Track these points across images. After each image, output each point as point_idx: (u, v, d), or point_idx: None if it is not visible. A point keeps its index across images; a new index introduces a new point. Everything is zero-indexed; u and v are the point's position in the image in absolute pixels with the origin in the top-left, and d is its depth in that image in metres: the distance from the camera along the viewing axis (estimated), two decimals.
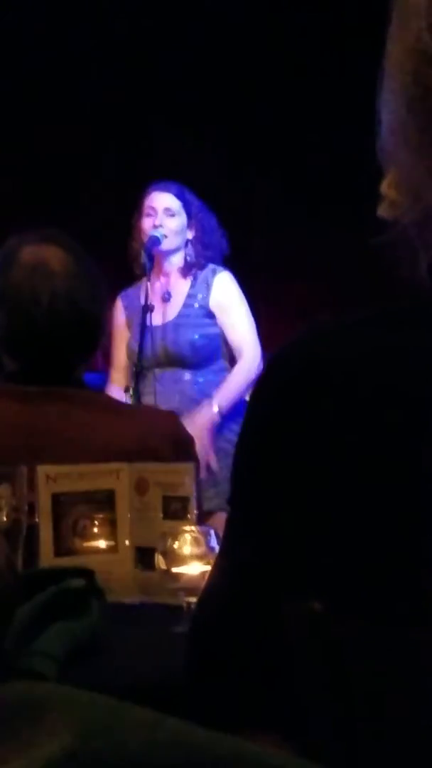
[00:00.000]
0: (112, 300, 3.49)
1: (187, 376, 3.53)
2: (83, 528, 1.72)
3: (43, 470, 1.72)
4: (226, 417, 3.49)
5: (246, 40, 4.40)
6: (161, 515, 1.72)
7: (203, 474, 3.18)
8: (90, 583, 1.43)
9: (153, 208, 3.56)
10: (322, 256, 4.31)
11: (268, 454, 0.85)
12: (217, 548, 1.45)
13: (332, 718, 0.80)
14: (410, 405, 0.77)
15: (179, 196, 3.57)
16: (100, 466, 1.75)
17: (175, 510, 1.71)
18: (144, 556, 1.69)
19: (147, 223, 3.55)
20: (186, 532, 1.53)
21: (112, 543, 1.72)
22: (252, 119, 4.47)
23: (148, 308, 3.38)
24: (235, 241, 3.74)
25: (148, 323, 3.38)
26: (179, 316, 3.56)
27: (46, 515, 1.71)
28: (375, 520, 0.77)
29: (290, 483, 0.82)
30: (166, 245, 3.53)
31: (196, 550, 1.50)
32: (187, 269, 3.60)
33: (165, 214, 3.54)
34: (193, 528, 1.56)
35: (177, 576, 1.50)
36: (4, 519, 1.64)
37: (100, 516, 1.73)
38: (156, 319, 3.45)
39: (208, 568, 1.38)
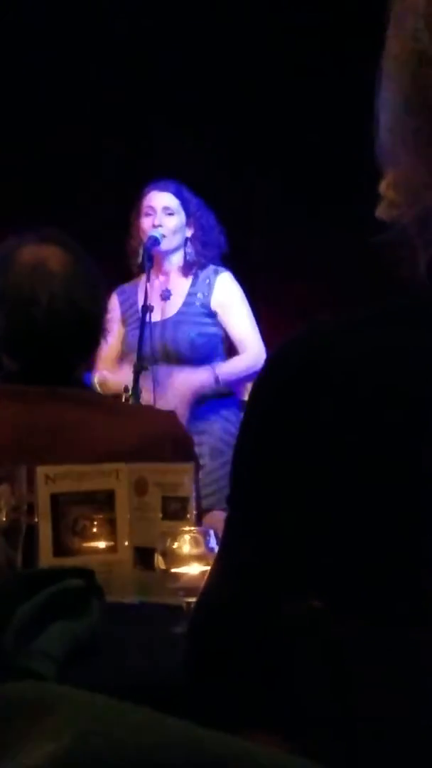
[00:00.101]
0: (108, 296, 3.49)
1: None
2: (82, 528, 1.72)
3: (42, 470, 1.72)
4: (220, 416, 3.50)
5: (246, 40, 4.40)
6: (160, 515, 1.72)
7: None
8: (89, 583, 1.42)
9: (152, 208, 3.56)
10: (322, 256, 4.31)
11: (267, 453, 0.84)
12: (216, 548, 1.44)
13: (332, 718, 0.80)
14: (410, 405, 0.77)
15: (177, 195, 3.57)
16: (99, 467, 1.74)
17: (174, 510, 1.71)
18: (143, 556, 1.69)
19: (146, 223, 3.55)
20: (185, 532, 1.52)
21: (111, 543, 1.72)
22: (252, 119, 4.46)
23: (147, 308, 3.38)
24: (235, 241, 3.73)
25: (147, 321, 3.38)
26: (179, 313, 3.56)
27: (46, 515, 1.71)
28: (375, 520, 0.77)
29: (290, 483, 0.82)
30: (165, 245, 3.53)
31: (196, 550, 1.50)
32: (187, 268, 3.60)
33: (164, 213, 3.55)
34: (192, 528, 1.56)
35: (176, 576, 1.49)
36: (4, 519, 1.64)
37: (100, 516, 1.73)
38: (154, 316, 3.45)
39: (208, 568, 1.38)
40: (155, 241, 3.49)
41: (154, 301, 3.49)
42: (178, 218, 3.56)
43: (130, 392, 3.25)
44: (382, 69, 0.85)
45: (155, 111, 4.49)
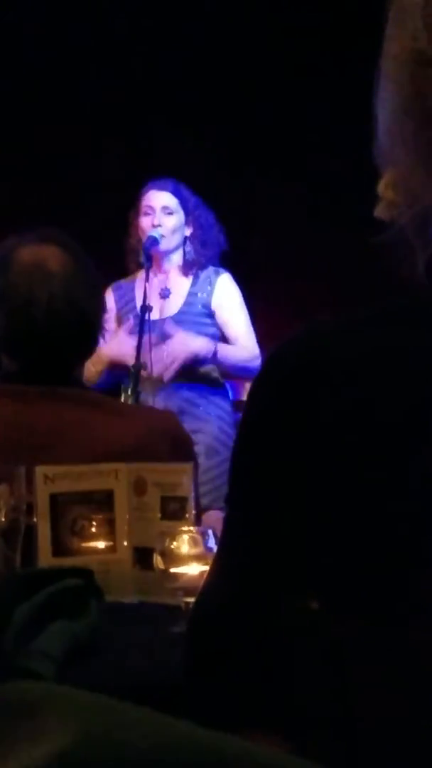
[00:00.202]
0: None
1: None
2: (81, 528, 1.72)
3: (41, 470, 1.72)
4: (215, 415, 3.50)
5: (246, 40, 4.40)
6: (159, 515, 1.72)
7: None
8: (88, 583, 1.42)
9: (151, 207, 3.55)
10: (322, 256, 4.31)
11: (266, 453, 0.84)
12: (214, 548, 1.44)
13: (332, 718, 0.80)
14: (410, 405, 0.77)
15: (176, 194, 3.57)
16: (98, 467, 1.74)
17: (173, 510, 1.71)
18: (142, 556, 1.69)
19: (145, 222, 3.55)
20: (184, 532, 1.52)
21: (110, 543, 1.72)
22: (252, 119, 4.47)
23: (146, 308, 3.38)
24: (235, 241, 3.73)
25: (146, 319, 3.37)
26: (180, 312, 3.56)
27: (45, 515, 1.71)
28: (374, 520, 0.77)
29: (289, 482, 0.82)
30: (164, 245, 3.53)
31: (195, 550, 1.50)
32: (186, 267, 3.60)
33: (163, 213, 3.54)
34: (191, 528, 1.56)
35: (175, 576, 1.49)
36: (3, 519, 1.64)
37: (99, 516, 1.72)
38: (153, 314, 3.45)
39: (207, 568, 1.38)
40: (154, 241, 3.49)
41: (153, 299, 3.48)
42: (177, 217, 3.56)
43: (129, 392, 3.25)
44: (381, 69, 0.85)
45: (155, 111, 4.49)
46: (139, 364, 3.30)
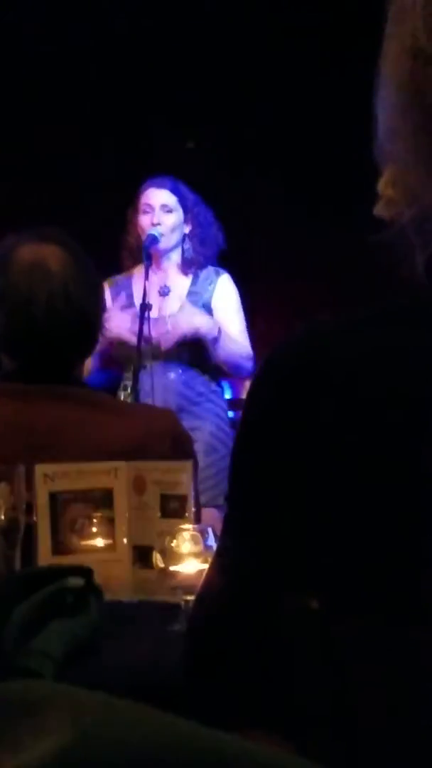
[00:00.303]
0: None
1: (178, 370, 3.52)
2: (81, 527, 1.72)
3: (40, 469, 1.72)
4: (212, 413, 3.50)
5: (246, 40, 4.40)
6: (159, 514, 1.72)
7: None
8: (88, 582, 1.42)
9: (149, 205, 3.55)
10: (322, 256, 4.31)
11: (266, 452, 0.84)
12: (214, 546, 1.44)
13: (332, 718, 0.80)
14: (410, 405, 0.77)
15: (175, 191, 3.56)
16: (97, 465, 1.74)
17: (172, 508, 1.71)
18: (142, 554, 1.69)
19: (144, 220, 3.54)
20: (184, 530, 1.52)
21: (110, 541, 1.72)
22: (252, 119, 4.47)
23: (146, 306, 3.38)
24: (235, 241, 3.73)
25: (146, 317, 3.37)
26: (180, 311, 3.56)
27: (44, 514, 1.71)
28: (375, 520, 0.77)
29: (289, 482, 0.82)
30: (164, 243, 3.53)
31: (194, 549, 1.50)
32: (185, 266, 3.60)
33: (162, 211, 3.54)
34: (190, 526, 1.56)
35: (175, 574, 1.49)
36: (2, 518, 1.64)
37: (98, 514, 1.72)
38: (152, 312, 3.45)
39: (206, 566, 1.38)
40: (154, 240, 3.49)
41: (152, 296, 3.48)
42: (176, 215, 3.56)
43: (129, 390, 3.25)
44: (381, 68, 0.85)
45: (155, 111, 4.49)
46: (138, 362, 3.30)
